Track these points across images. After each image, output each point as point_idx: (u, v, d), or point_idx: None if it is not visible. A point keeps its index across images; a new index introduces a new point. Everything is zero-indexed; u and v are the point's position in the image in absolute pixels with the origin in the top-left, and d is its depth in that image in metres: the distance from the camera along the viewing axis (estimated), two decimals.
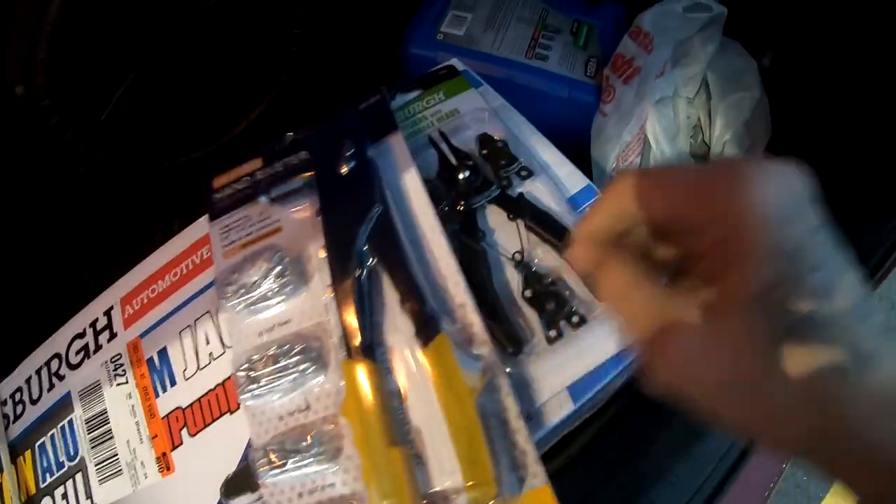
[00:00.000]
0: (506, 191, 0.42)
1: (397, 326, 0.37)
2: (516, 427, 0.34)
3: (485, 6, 0.60)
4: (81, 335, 0.47)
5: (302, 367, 0.38)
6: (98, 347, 0.46)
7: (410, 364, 0.37)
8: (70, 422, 0.45)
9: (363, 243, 0.38)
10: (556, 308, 0.38)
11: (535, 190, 0.43)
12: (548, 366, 0.38)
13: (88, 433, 0.44)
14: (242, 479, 0.40)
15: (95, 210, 0.54)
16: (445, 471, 0.34)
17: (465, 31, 0.58)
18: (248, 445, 0.39)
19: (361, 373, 0.36)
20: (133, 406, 0.44)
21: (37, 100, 0.46)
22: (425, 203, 0.40)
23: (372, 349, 0.37)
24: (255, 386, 0.38)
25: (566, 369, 0.38)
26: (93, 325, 0.46)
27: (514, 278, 0.40)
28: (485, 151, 0.44)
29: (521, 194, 0.42)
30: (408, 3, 0.61)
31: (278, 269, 0.39)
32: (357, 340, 0.37)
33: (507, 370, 0.36)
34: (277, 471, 0.36)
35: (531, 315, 0.39)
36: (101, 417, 0.44)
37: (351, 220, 0.38)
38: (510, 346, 0.37)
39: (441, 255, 0.38)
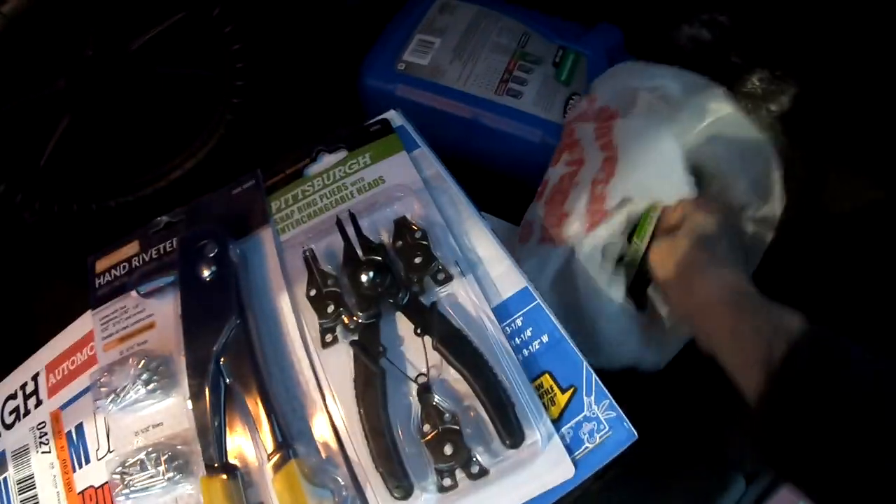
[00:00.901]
0: (417, 297, 0.38)
1: (255, 446, 0.38)
2: None
3: (456, 29, 0.53)
4: (14, 396, 0.48)
5: (170, 474, 0.38)
6: (27, 412, 0.47)
7: (267, 484, 0.37)
8: (5, 479, 0.47)
9: (218, 359, 0.38)
10: (454, 453, 0.34)
11: (456, 295, 0.39)
12: None
13: (19, 494, 0.46)
14: None
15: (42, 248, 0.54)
16: None
17: (429, 60, 0.52)
18: None
19: (216, 491, 0.36)
20: (55, 476, 0.45)
21: None
22: (290, 314, 0.39)
23: (229, 466, 0.37)
24: (129, 490, 0.39)
25: None
26: (23, 387, 0.47)
27: (416, 404, 0.36)
28: (399, 243, 0.40)
29: (433, 304, 0.38)
30: (375, 24, 0.55)
31: (146, 375, 0.40)
32: (214, 458, 0.37)
33: None
34: None
35: (428, 453, 0.35)
36: (29, 481, 0.46)
37: (208, 332, 0.38)
38: (395, 490, 0.34)
39: (306, 370, 0.38)
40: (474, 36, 0.53)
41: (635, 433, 0.36)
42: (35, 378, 0.47)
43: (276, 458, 0.36)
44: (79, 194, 0.51)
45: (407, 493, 0.35)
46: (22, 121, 0.47)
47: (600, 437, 0.36)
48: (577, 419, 0.36)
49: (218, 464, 0.37)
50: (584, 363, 0.37)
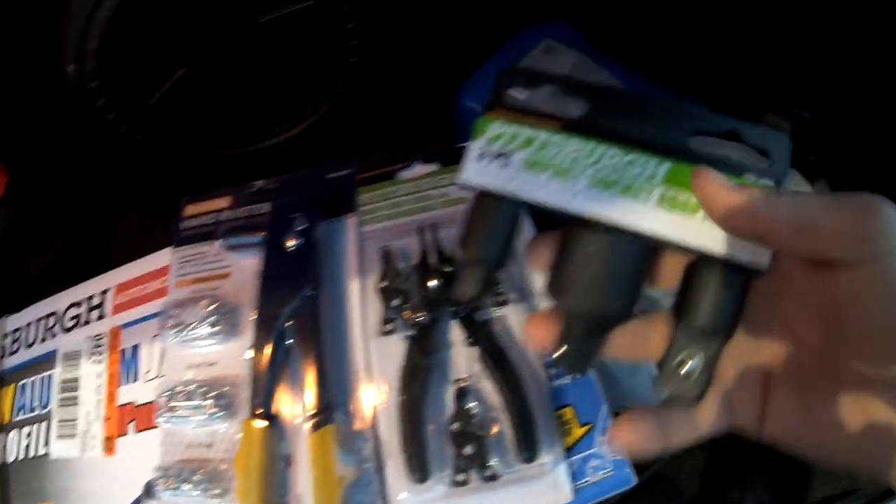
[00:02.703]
0: (474, 312, 0.43)
1: (299, 403, 0.43)
2: None
3: (556, 74, 0.58)
4: (78, 304, 0.53)
5: (213, 410, 0.43)
6: (88, 321, 0.52)
7: (301, 439, 0.42)
8: (50, 376, 0.52)
9: (285, 321, 0.43)
10: (473, 454, 0.39)
11: (509, 318, 0.44)
12: None
13: (60, 392, 0.51)
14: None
15: (133, 184, 0.59)
16: None
17: (526, 97, 0.57)
18: None
19: (256, 435, 0.41)
20: (100, 385, 0.50)
21: (86, 81, 0.50)
22: (357, 298, 0.45)
23: (272, 416, 0.42)
24: (170, 414, 0.44)
25: None
26: (89, 299, 0.52)
27: (451, 404, 0.41)
28: None
29: (487, 321, 0.43)
30: (482, 49, 0.60)
31: (214, 318, 0.45)
32: (260, 405, 0.42)
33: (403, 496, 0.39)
34: (171, 492, 0.43)
35: (451, 449, 0.40)
36: (73, 383, 0.51)
37: (282, 295, 0.43)
38: (413, 474, 0.39)
39: (359, 351, 0.44)
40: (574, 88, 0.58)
41: (634, 479, 0.41)
42: (104, 293, 0.52)
43: (317, 419, 0.41)
44: (180, 140, 0.56)
45: (423, 479, 0.39)
46: (147, 63, 0.52)
47: (602, 475, 0.41)
48: (586, 453, 0.41)
49: (263, 410, 0.42)
50: (604, 406, 0.42)
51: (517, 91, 0.27)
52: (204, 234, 0.49)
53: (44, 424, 0.51)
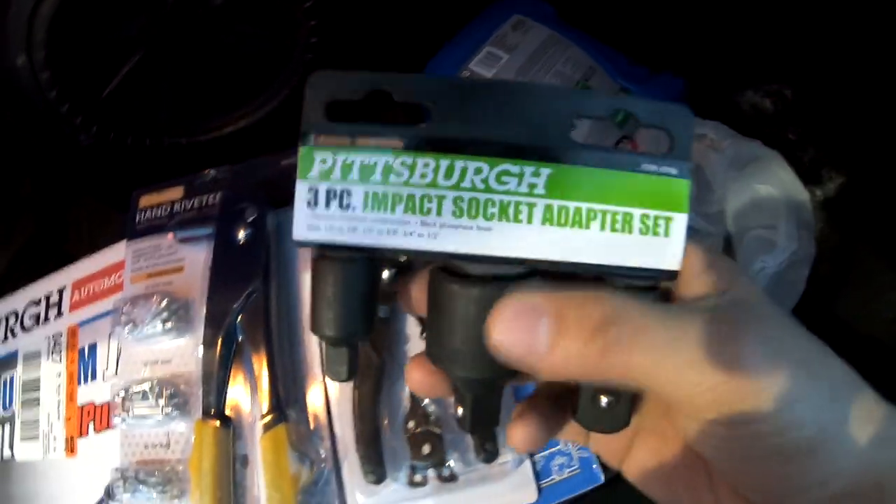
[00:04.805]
0: None
1: (252, 402, 0.42)
2: None
3: (525, 50, 0.55)
4: (37, 303, 0.52)
5: (168, 409, 0.42)
6: (46, 320, 0.51)
7: (255, 439, 0.41)
8: (12, 378, 0.51)
9: (236, 317, 0.41)
10: (430, 454, 0.37)
11: None
12: None
13: (23, 393, 0.50)
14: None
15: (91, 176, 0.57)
16: None
17: (493, 74, 0.54)
18: None
19: (208, 435, 0.40)
20: (60, 385, 0.49)
21: (37, 72, 0.49)
22: (309, 290, 0.41)
23: (224, 416, 0.41)
24: (126, 414, 0.43)
25: None
26: (47, 297, 0.51)
27: (407, 401, 0.40)
28: None
29: None
30: (448, 25, 0.57)
31: (165, 314, 0.43)
32: (212, 405, 0.41)
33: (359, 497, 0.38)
34: (129, 494, 0.42)
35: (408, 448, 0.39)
36: (34, 383, 0.50)
37: (232, 290, 0.42)
38: (367, 474, 0.37)
39: (313, 346, 0.42)
40: (540, 60, 0.55)
41: (602, 478, 0.39)
42: (61, 291, 0.51)
43: (268, 418, 0.40)
44: (137, 130, 0.54)
45: (378, 479, 0.38)
46: (98, 51, 0.50)
47: (569, 472, 0.39)
48: (551, 450, 0.39)
49: (215, 411, 0.41)
50: None
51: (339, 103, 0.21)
52: (158, 227, 0.48)
53: (7, 427, 0.50)
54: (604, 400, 0.21)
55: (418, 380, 0.23)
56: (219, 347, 0.41)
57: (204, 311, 0.43)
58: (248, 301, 0.41)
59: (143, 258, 0.47)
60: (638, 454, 0.24)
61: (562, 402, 0.23)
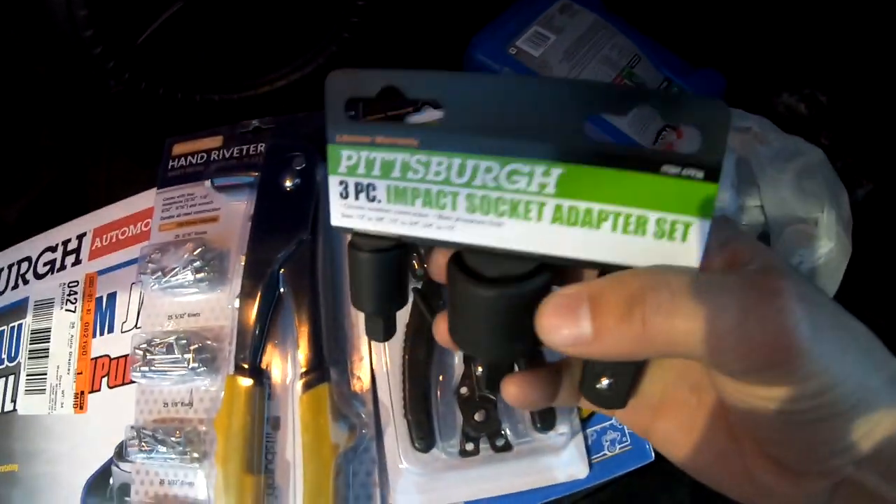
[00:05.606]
0: None
1: (289, 359, 0.39)
2: (373, 493, 0.37)
3: (573, 33, 0.55)
4: (53, 249, 0.49)
5: (194, 364, 0.40)
6: (63, 267, 0.48)
7: (290, 400, 0.39)
8: (20, 326, 0.48)
9: (278, 268, 0.39)
10: (484, 422, 0.36)
11: None
12: (451, 476, 0.36)
13: (31, 343, 0.47)
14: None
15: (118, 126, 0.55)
16: None
17: (540, 54, 0.54)
18: None
19: (240, 393, 0.38)
20: (72, 336, 0.46)
21: (74, 9, 0.46)
22: None
23: (259, 372, 0.39)
24: (147, 368, 0.40)
25: (468, 487, 0.36)
26: (65, 243, 0.48)
27: (459, 366, 0.38)
28: None
29: None
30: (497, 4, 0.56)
31: (198, 263, 0.41)
32: (246, 359, 0.38)
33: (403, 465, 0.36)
34: (144, 454, 0.39)
35: (460, 415, 0.37)
36: (44, 333, 0.47)
37: (276, 240, 0.39)
38: (416, 442, 0.35)
39: None
40: (587, 43, 0.54)
41: (653, 455, 0.37)
42: (80, 237, 0.48)
43: (309, 377, 0.37)
44: (170, 82, 0.51)
45: (427, 447, 0.36)
46: None
47: (620, 448, 0.38)
48: (603, 425, 0.38)
49: (249, 366, 0.38)
50: None
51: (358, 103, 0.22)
52: (192, 175, 0.46)
53: (11, 378, 0.47)
54: (605, 382, 0.22)
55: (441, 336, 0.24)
56: (258, 299, 0.39)
57: (240, 263, 0.40)
58: (295, 251, 0.39)
59: (174, 206, 0.45)
60: (664, 425, 0.24)
61: (561, 370, 0.24)
